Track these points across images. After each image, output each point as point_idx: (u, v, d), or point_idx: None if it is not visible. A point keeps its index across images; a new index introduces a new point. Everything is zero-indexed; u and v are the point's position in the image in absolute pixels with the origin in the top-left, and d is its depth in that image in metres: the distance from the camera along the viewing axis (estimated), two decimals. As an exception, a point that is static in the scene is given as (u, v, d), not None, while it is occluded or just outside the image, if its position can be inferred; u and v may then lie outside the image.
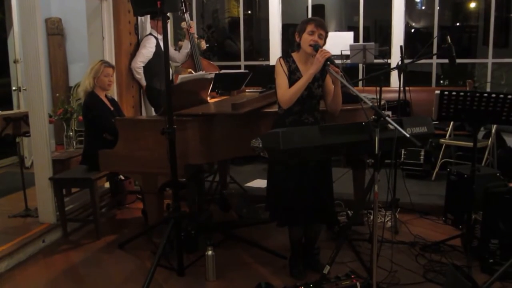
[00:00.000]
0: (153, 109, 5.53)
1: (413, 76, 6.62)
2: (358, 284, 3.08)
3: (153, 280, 3.20)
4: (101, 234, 4.24)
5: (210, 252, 3.40)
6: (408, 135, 2.55)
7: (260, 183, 5.36)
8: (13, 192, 5.02)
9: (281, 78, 3.17)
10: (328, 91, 3.27)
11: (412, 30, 9.47)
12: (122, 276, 3.51)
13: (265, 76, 4.79)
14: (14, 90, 6.34)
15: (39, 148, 4.16)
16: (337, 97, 3.23)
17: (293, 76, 3.18)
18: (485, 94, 3.33)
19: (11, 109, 6.19)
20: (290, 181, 3.18)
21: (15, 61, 6.31)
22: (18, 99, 6.31)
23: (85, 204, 4.57)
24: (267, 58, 7.31)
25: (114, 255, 3.88)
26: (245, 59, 7.51)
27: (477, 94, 3.35)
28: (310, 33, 3.11)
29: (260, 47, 9.22)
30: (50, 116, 4.89)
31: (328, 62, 2.99)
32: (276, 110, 3.36)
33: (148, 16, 5.51)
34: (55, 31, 6.88)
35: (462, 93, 3.38)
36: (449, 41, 3.74)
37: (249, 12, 10.00)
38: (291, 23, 7.74)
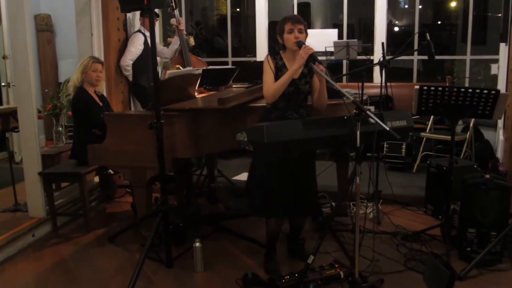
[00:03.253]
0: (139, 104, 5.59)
1: (395, 72, 6.74)
2: (341, 273, 3.15)
3: (142, 272, 3.23)
4: (91, 228, 4.27)
5: (198, 244, 3.44)
6: (388, 128, 2.59)
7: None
8: (3, 187, 5.00)
9: (267, 75, 3.22)
10: (315, 88, 3.31)
11: (395, 28, 9.61)
12: (112, 269, 3.55)
13: (252, 72, 4.86)
14: (3, 86, 6.34)
15: (28, 143, 4.18)
16: (322, 94, 3.27)
17: (280, 72, 3.22)
18: (462, 89, 3.42)
19: (0, 104, 6.20)
20: (272, 173, 3.21)
21: (4, 57, 6.31)
22: (8, 95, 6.32)
23: (75, 198, 4.60)
24: (255, 55, 7.39)
25: (104, 248, 3.92)
26: (233, 55, 7.57)
27: (455, 89, 3.44)
28: (290, 31, 3.16)
29: (248, 44, 9.28)
30: (39, 112, 4.91)
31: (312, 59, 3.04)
32: (262, 104, 3.41)
33: (137, 13, 5.55)
34: (45, 28, 6.88)
35: (440, 88, 3.46)
36: (428, 38, 3.80)
37: (238, 9, 10.08)
38: (277, 20, 7.79)
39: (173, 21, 5.48)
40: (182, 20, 5.82)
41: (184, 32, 5.75)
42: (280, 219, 3.38)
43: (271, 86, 3.18)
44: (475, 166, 4.34)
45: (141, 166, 3.68)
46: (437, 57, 3.97)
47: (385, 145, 5.71)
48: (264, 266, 3.45)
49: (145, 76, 5.38)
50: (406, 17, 9.59)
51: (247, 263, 3.57)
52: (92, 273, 3.51)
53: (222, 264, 3.56)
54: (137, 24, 5.59)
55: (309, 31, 3.31)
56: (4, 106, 5.94)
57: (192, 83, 4.23)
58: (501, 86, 5.59)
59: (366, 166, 3.32)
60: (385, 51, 4.33)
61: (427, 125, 5.74)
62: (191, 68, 5.13)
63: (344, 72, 6.78)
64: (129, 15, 5.51)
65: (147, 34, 5.27)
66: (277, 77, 3.20)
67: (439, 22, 9.70)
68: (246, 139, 2.79)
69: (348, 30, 7.08)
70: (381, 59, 4.14)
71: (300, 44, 3.11)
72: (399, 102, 6.01)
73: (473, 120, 5.39)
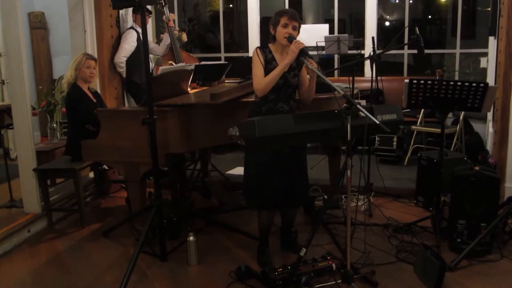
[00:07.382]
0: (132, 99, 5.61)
1: (385, 66, 6.78)
2: (333, 265, 3.18)
3: (136, 266, 3.26)
4: (86, 223, 4.29)
5: (191, 238, 3.46)
6: (378, 122, 2.62)
7: (241, 170, 5.39)
8: (-2, 184, 5.03)
9: (257, 68, 3.23)
10: (303, 81, 3.34)
11: (386, 23, 9.66)
12: (107, 263, 3.57)
13: (244, 67, 4.89)
14: (-2, 83, 6.36)
15: (23, 139, 4.20)
16: (311, 89, 3.30)
17: (269, 65, 3.24)
18: (451, 83, 3.45)
19: (-4, 102, 6.21)
20: (264, 167, 3.24)
21: (-2, 55, 6.33)
22: (2, 92, 6.32)
23: (70, 194, 4.62)
24: (247, 50, 7.41)
25: (99, 243, 3.94)
26: (225, 51, 7.60)
27: (444, 83, 3.48)
28: (284, 25, 3.17)
29: (240, 39, 9.31)
30: (33, 109, 4.93)
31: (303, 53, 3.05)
32: (254, 99, 3.43)
33: (129, 10, 5.56)
34: (38, 25, 6.89)
35: (429, 82, 3.50)
36: (418, 32, 3.80)
37: (230, 5, 10.10)
38: (269, 16, 7.82)
39: (164, 17, 5.51)
40: (175, 16, 5.84)
41: (177, 29, 5.77)
42: (271, 212, 3.42)
43: (261, 79, 3.19)
44: (465, 158, 4.37)
45: (134, 161, 3.70)
46: (426, 51, 4.00)
47: (376, 138, 5.76)
48: (257, 258, 3.49)
49: (138, 72, 5.39)
50: (396, 12, 9.63)
51: (241, 256, 3.60)
52: (87, 268, 3.53)
53: (216, 257, 3.59)
54: (130, 21, 5.61)
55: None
56: (-1, 103, 5.95)
57: (185, 78, 4.25)
58: (490, 79, 5.64)
59: (357, 159, 3.34)
60: (375, 46, 4.35)
61: (418, 118, 5.80)
62: (183, 63, 5.15)
63: (336, 66, 6.82)
64: (121, 12, 5.52)
65: (140, 30, 5.27)
66: (266, 70, 3.22)
67: (429, 17, 9.76)
68: (237, 133, 2.80)
69: (339, 25, 7.12)
70: (372, 53, 4.15)
71: (291, 39, 3.13)
72: (389, 95, 6.07)
73: (463, 113, 5.45)
